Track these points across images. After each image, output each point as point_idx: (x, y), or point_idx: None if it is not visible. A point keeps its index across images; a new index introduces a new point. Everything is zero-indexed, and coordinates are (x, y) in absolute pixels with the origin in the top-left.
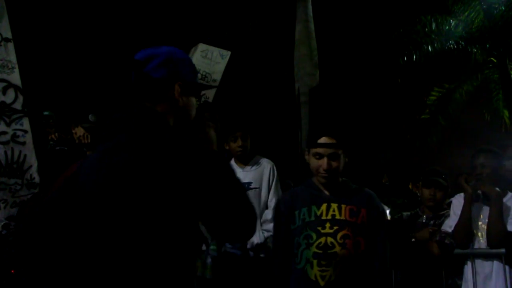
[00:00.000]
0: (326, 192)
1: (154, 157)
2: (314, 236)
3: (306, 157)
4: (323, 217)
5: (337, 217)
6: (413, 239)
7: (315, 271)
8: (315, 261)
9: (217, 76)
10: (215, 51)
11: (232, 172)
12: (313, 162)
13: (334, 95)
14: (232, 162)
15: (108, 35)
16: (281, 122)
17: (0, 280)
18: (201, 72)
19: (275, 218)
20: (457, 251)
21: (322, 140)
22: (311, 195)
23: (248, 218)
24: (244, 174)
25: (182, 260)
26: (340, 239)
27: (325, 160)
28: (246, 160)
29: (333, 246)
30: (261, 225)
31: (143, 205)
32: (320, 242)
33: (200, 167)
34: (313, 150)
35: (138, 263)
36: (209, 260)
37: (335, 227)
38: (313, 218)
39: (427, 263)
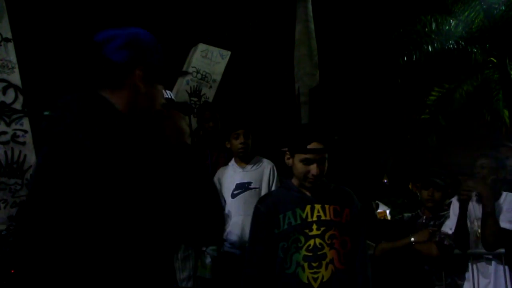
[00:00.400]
0: (308, 193)
1: (87, 147)
2: (303, 240)
3: (288, 160)
4: (309, 219)
5: (323, 217)
6: (412, 239)
7: (307, 274)
8: (305, 264)
9: (217, 76)
10: (215, 51)
11: (199, 168)
12: (300, 167)
13: (334, 95)
14: (233, 161)
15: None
16: (281, 122)
17: (0, 280)
18: (201, 72)
19: (254, 222)
20: (457, 251)
21: (312, 145)
22: (293, 198)
23: (212, 219)
24: (244, 174)
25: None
26: (328, 239)
27: (315, 166)
28: (247, 160)
29: (322, 247)
30: None
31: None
32: (309, 245)
33: (147, 161)
34: (301, 155)
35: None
36: (208, 260)
37: (322, 228)
38: (299, 221)
39: (426, 263)
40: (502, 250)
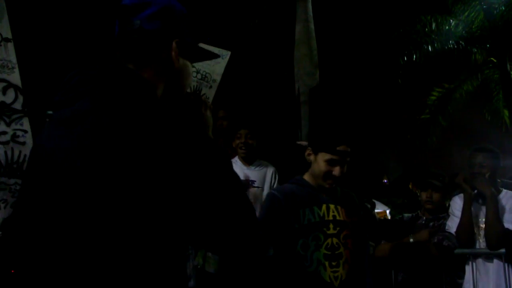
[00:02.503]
0: (321, 193)
1: (127, 134)
2: (322, 238)
3: (309, 156)
4: (326, 218)
5: (338, 218)
6: (411, 240)
7: (328, 273)
8: (326, 263)
9: (217, 76)
10: (215, 51)
11: (231, 167)
12: (324, 166)
13: (334, 95)
14: (236, 158)
15: (108, 35)
16: (281, 121)
17: (0, 280)
18: (201, 72)
19: (268, 205)
20: (457, 251)
21: (341, 148)
22: (309, 195)
23: (246, 225)
24: (249, 172)
25: (160, 261)
26: (343, 239)
27: (338, 168)
28: (250, 161)
29: (339, 247)
30: None
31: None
32: (328, 243)
33: (193, 154)
34: (327, 155)
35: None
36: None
37: (338, 228)
38: (318, 218)
39: (426, 263)
40: (503, 250)
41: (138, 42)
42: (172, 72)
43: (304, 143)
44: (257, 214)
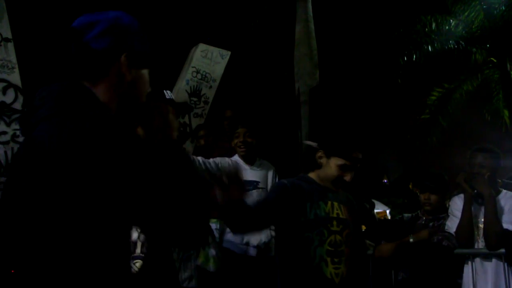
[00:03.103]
0: (327, 191)
1: (64, 139)
2: (326, 233)
3: (321, 159)
4: (331, 215)
5: (341, 216)
6: (411, 240)
7: (330, 269)
8: (329, 259)
9: (217, 76)
10: (215, 51)
11: (187, 167)
12: (336, 170)
13: (334, 95)
14: (237, 157)
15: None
16: (281, 121)
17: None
18: (201, 72)
19: (276, 188)
20: (457, 251)
21: (356, 154)
22: (316, 191)
23: (196, 221)
24: (252, 172)
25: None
26: (345, 237)
27: (350, 174)
28: (251, 160)
29: (341, 244)
30: None
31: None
32: (331, 240)
33: (126, 158)
34: (340, 160)
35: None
36: (212, 252)
37: (341, 226)
38: (324, 214)
39: (426, 263)
40: (502, 250)
41: (88, 61)
42: (125, 84)
43: (313, 143)
44: (282, 185)
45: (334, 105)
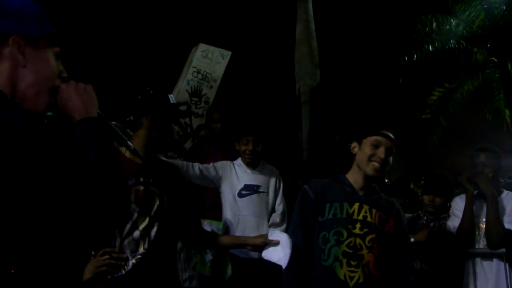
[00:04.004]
0: (360, 192)
1: None
2: (345, 234)
3: (355, 149)
4: (355, 217)
5: (368, 219)
6: (412, 240)
7: (344, 271)
8: (344, 260)
9: (218, 76)
10: (215, 51)
11: (100, 147)
12: (369, 149)
13: (334, 95)
14: (240, 161)
15: (108, 35)
16: (281, 122)
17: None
18: (201, 72)
19: (300, 204)
20: (457, 251)
21: (385, 131)
22: (344, 191)
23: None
24: (254, 176)
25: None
26: (369, 242)
27: (383, 149)
28: (254, 165)
29: (361, 248)
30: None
31: None
32: (351, 242)
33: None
34: (371, 138)
35: None
36: (209, 257)
37: (365, 229)
38: (344, 215)
39: (427, 263)
40: (503, 250)
41: None
42: (20, 67)
43: (339, 137)
44: (306, 197)
45: (335, 105)
